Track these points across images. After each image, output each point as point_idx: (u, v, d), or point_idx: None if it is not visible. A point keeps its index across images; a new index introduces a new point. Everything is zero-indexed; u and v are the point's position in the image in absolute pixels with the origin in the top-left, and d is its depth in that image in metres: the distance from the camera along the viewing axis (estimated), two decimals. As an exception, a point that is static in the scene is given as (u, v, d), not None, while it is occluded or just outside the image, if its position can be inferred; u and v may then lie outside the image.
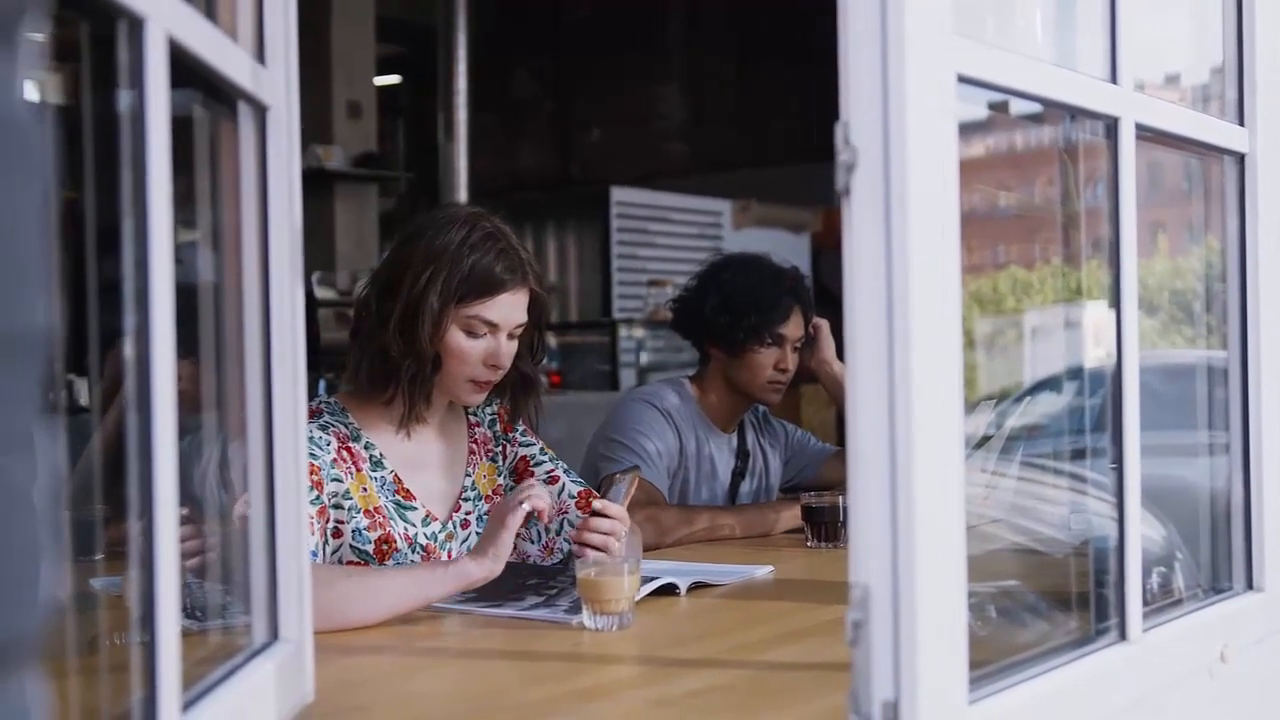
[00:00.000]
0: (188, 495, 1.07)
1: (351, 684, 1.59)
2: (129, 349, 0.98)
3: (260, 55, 1.32)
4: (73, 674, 1.17)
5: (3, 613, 0.57)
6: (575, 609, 1.88)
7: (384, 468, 2.18)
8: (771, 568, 2.33)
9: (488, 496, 2.31)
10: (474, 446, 2.33)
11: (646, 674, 1.68)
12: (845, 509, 2.60)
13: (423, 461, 2.24)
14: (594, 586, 1.83)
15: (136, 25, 0.97)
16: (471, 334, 2.14)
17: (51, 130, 0.61)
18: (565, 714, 1.47)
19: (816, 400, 6.48)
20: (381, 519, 2.13)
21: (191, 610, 1.32)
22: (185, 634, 1.04)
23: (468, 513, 2.28)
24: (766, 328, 2.92)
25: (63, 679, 1.01)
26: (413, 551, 2.16)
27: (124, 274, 1.00)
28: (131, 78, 0.98)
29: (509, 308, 2.16)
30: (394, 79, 9.82)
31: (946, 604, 1.17)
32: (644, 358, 7.39)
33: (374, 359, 2.15)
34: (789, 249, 7.09)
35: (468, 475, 2.29)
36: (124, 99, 0.99)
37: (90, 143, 1.10)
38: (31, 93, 0.60)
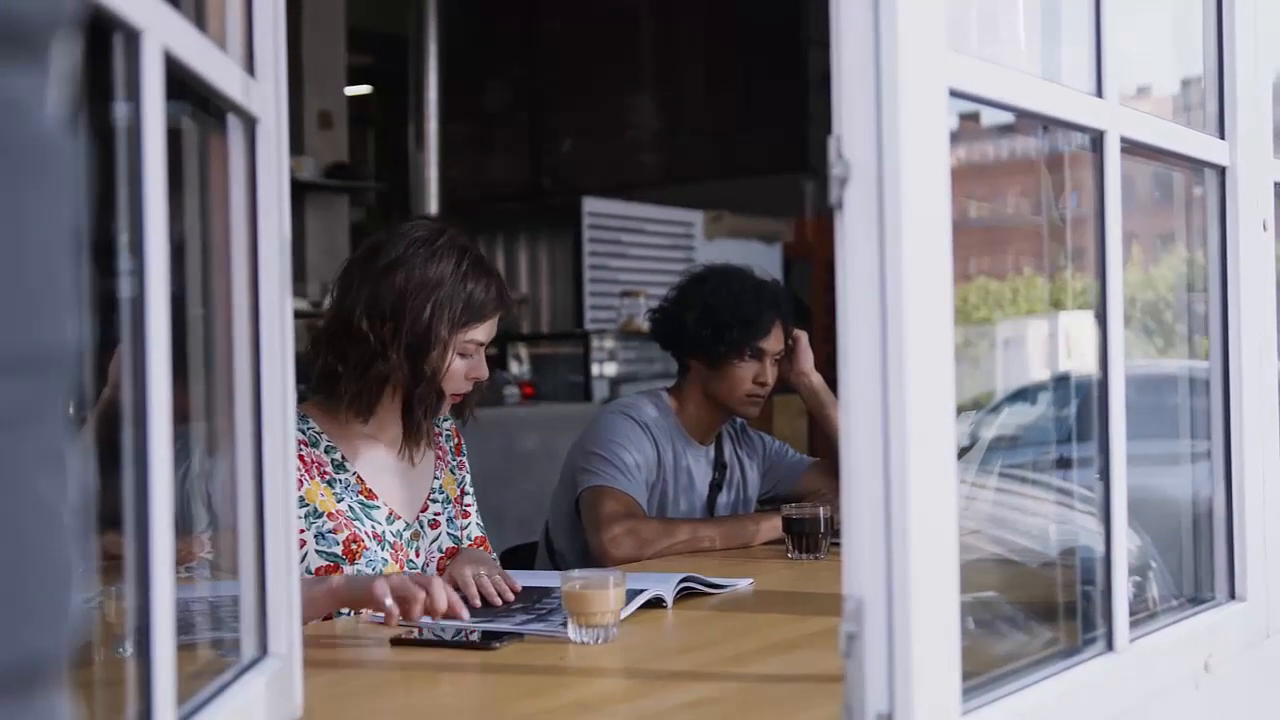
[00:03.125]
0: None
1: (339, 699, 1.58)
2: (124, 362, 0.98)
3: (250, 67, 1.31)
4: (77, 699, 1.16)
5: (35, 631, 0.56)
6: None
7: (347, 470, 2.23)
8: (751, 580, 2.33)
9: (455, 500, 2.39)
10: (440, 452, 2.41)
11: (635, 687, 1.68)
12: (826, 520, 2.60)
13: (388, 465, 2.30)
14: (579, 599, 1.83)
15: (133, 38, 0.96)
16: (463, 355, 2.25)
17: (81, 147, 0.61)
18: (555, 728, 1.47)
19: (789, 410, 6.50)
20: (345, 520, 2.18)
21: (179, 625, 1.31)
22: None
23: (436, 513, 2.35)
24: (748, 341, 2.92)
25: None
26: (382, 548, 2.22)
27: (114, 286, 0.99)
28: (128, 90, 0.97)
29: (494, 326, 2.30)
30: (365, 89, 9.81)
31: (940, 615, 1.18)
32: (617, 369, 7.38)
33: (374, 384, 2.20)
34: (761, 260, 7.09)
35: (436, 478, 2.37)
36: (119, 111, 0.98)
37: (82, 153, 1.09)
38: (61, 109, 0.60)
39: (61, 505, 0.58)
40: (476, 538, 2.41)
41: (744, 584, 2.31)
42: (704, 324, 2.94)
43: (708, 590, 2.21)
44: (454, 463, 2.44)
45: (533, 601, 2.09)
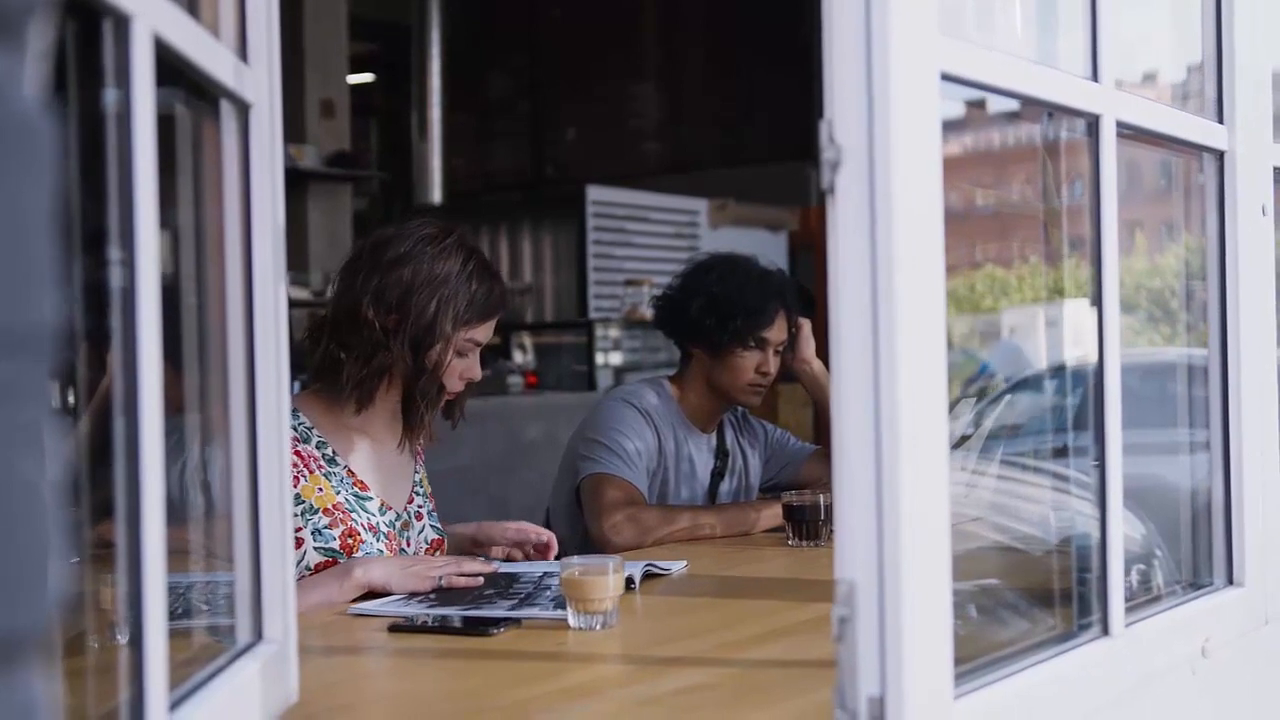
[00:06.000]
0: (167, 497, 1.07)
1: (335, 684, 1.58)
2: (115, 351, 0.98)
3: (243, 53, 1.31)
4: (55, 675, 1.16)
5: (12, 607, 0.57)
6: (560, 604, 1.88)
7: (338, 464, 2.26)
8: (685, 563, 2.36)
9: (430, 495, 2.45)
10: (418, 449, 2.44)
11: (632, 672, 1.68)
12: (826, 507, 2.60)
13: (375, 459, 2.33)
14: (578, 585, 1.83)
15: (122, 23, 0.96)
16: (460, 354, 2.28)
17: (58, 128, 0.61)
18: (551, 713, 1.47)
19: (793, 399, 6.50)
20: (342, 514, 2.22)
21: (174, 611, 1.31)
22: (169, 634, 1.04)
23: (419, 506, 2.40)
24: (751, 331, 2.92)
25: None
26: (377, 540, 2.25)
27: (106, 274, 0.99)
28: (117, 76, 0.97)
29: (492, 328, 2.34)
30: (367, 77, 9.81)
31: (932, 599, 1.18)
32: (621, 358, 7.38)
33: (375, 374, 2.23)
34: (766, 248, 7.10)
35: (416, 472, 2.42)
36: (109, 97, 0.98)
37: (71, 141, 1.09)
38: (38, 90, 0.60)
39: (41, 483, 0.59)
40: (434, 540, 2.42)
41: (679, 566, 2.35)
42: (708, 313, 2.93)
43: (658, 573, 2.26)
44: (423, 461, 2.49)
45: (505, 587, 2.10)
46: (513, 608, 1.95)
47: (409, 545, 2.33)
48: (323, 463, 2.24)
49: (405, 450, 2.35)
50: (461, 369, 2.29)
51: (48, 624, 0.59)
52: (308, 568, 2.15)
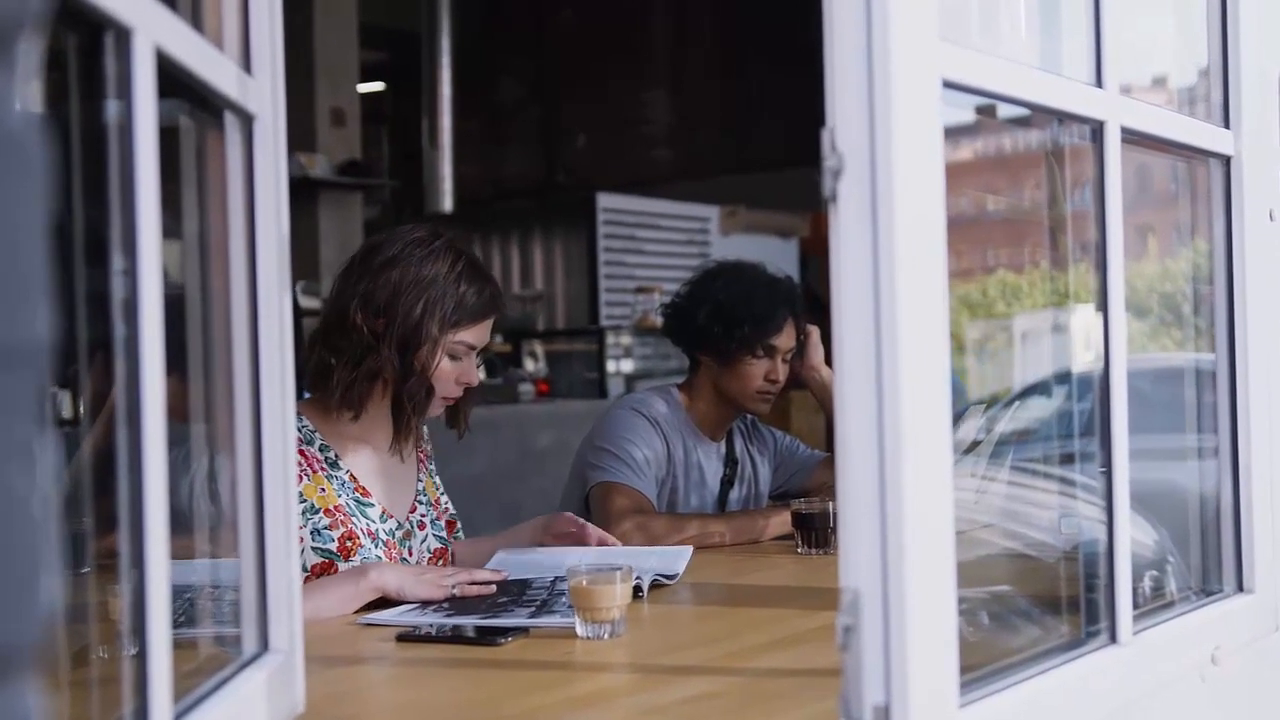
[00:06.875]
0: (175, 508, 1.07)
1: (341, 695, 1.58)
2: (118, 362, 0.98)
3: (246, 64, 1.32)
4: (62, 686, 1.17)
5: (3, 621, 0.57)
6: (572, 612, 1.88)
7: (340, 468, 2.26)
8: (690, 548, 2.36)
9: (434, 503, 2.43)
10: (421, 456, 2.44)
11: (639, 681, 1.68)
12: (835, 515, 2.60)
13: (377, 466, 2.33)
14: (586, 594, 1.82)
15: (124, 36, 0.96)
16: (453, 357, 2.27)
17: (49, 142, 0.61)
18: (557, 722, 1.47)
19: (806, 406, 6.48)
20: (343, 516, 2.22)
21: (179, 620, 1.32)
22: (175, 644, 1.04)
23: (422, 515, 2.39)
24: (759, 339, 2.91)
25: (53, 691, 1.01)
26: (375, 546, 2.25)
27: (111, 286, 0.99)
28: (119, 88, 0.97)
29: (487, 332, 2.32)
30: (378, 85, 9.82)
31: (937, 607, 1.17)
32: (632, 365, 7.37)
33: (365, 379, 2.23)
34: (777, 255, 7.10)
35: (419, 480, 2.41)
36: (111, 109, 0.98)
37: (75, 153, 1.09)
38: (30, 104, 0.60)
39: (32, 497, 0.59)
40: (436, 549, 2.41)
41: (685, 553, 2.35)
42: (715, 320, 2.93)
43: (665, 582, 2.24)
44: (430, 468, 2.48)
45: (519, 595, 2.10)
46: (530, 615, 1.94)
47: (410, 555, 2.32)
48: (325, 465, 2.24)
49: (399, 456, 2.34)
50: (456, 373, 2.27)
51: (41, 637, 0.59)
52: (305, 567, 2.15)
